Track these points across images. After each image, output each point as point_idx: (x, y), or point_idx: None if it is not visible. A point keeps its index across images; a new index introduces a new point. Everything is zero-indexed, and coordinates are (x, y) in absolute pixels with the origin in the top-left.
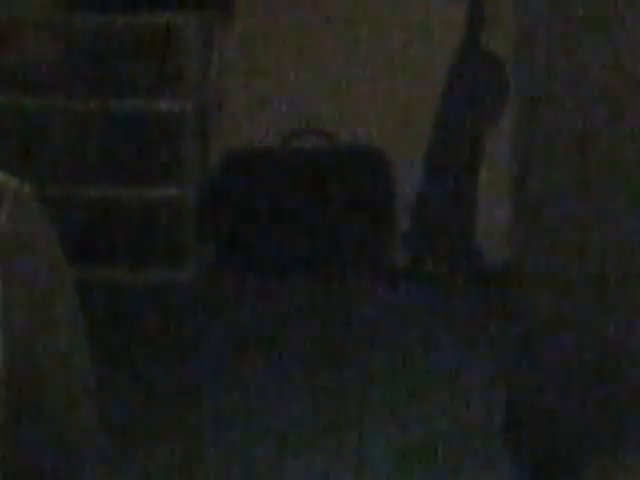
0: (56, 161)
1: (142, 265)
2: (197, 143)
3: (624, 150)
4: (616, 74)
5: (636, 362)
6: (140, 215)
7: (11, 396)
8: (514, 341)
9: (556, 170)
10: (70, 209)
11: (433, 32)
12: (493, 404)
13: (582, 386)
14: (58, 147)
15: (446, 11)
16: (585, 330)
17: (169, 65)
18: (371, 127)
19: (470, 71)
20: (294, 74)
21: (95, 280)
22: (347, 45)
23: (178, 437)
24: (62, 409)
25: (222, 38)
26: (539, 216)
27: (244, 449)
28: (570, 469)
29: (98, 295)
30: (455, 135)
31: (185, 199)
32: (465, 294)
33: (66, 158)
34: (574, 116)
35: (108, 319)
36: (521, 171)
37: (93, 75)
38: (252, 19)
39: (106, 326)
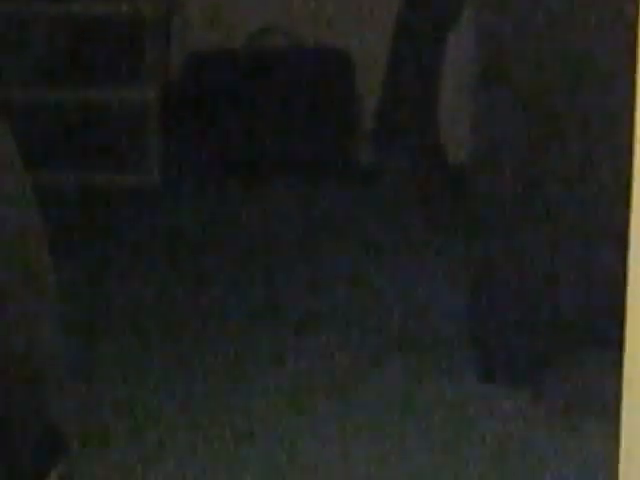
0: (23, 65)
1: (106, 169)
2: (159, 45)
3: None
4: None
5: None
6: (103, 117)
7: None
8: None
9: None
10: (35, 113)
11: None
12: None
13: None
14: (25, 53)
15: None
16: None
17: None
18: (336, 28)
19: None
20: None
21: (59, 185)
22: None
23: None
24: (25, 327)
25: None
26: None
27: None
28: (533, 368)
29: (63, 200)
30: (418, 36)
31: (148, 101)
32: (430, 189)
33: (33, 61)
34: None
35: (72, 224)
36: (484, 70)
37: None
38: None
39: (71, 232)
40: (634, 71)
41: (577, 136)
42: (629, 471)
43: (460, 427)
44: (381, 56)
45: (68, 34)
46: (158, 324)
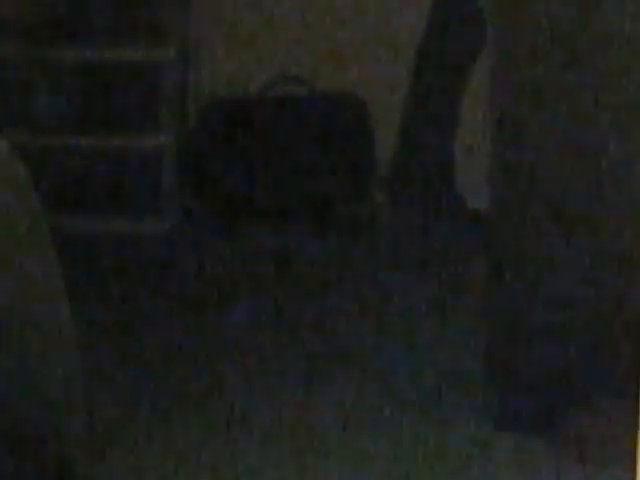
0: (41, 112)
1: (123, 214)
2: (176, 92)
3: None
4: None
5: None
6: (121, 164)
7: None
8: (493, 284)
9: (536, 115)
10: (53, 159)
11: None
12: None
13: (557, 331)
14: (43, 97)
15: None
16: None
17: (149, 14)
18: (350, 74)
19: (450, 17)
20: (275, 21)
21: (77, 229)
22: None
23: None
24: (44, 362)
25: None
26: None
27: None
28: (548, 416)
29: (80, 244)
30: (434, 84)
31: (165, 147)
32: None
33: (50, 109)
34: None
35: (88, 267)
36: (501, 117)
37: (72, 24)
38: None
39: (86, 275)
40: None
41: (594, 185)
42: None
43: (475, 473)
44: (396, 103)
45: (84, 81)
46: (168, 367)
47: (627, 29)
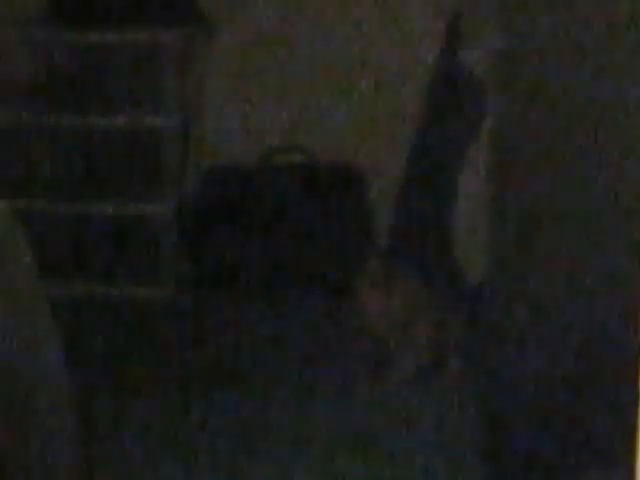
0: (35, 176)
1: (121, 281)
2: (178, 158)
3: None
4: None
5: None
6: (119, 230)
7: None
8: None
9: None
10: (51, 224)
11: (414, 48)
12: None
13: (551, 403)
14: (38, 162)
15: (426, 27)
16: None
17: (150, 81)
18: (350, 144)
19: (448, 89)
20: (275, 90)
21: (73, 295)
22: (328, 60)
23: None
24: (45, 421)
25: (203, 54)
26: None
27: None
28: None
29: (77, 310)
30: (432, 155)
31: (165, 214)
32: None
33: (45, 173)
34: (557, 141)
35: (85, 333)
36: (498, 194)
37: (74, 91)
38: (233, 35)
39: (84, 341)
40: None
41: (589, 262)
42: None
43: None
44: (394, 172)
45: (85, 147)
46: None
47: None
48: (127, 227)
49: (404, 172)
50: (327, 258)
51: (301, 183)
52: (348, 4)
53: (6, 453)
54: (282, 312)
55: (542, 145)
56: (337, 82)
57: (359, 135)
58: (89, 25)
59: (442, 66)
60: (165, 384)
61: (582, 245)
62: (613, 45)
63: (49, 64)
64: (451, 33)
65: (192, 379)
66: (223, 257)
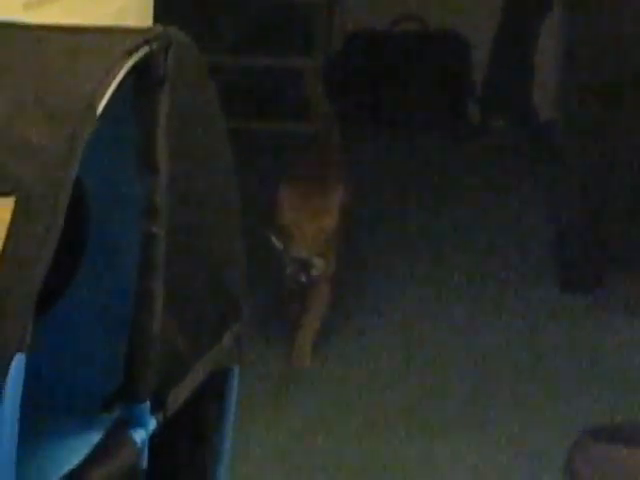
0: (218, 34)
1: (276, 117)
2: (325, 26)
3: None
4: None
5: None
6: (282, 79)
7: (171, 233)
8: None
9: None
10: (225, 75)
11: None
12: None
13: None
14: (220, 21)
15: None
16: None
17: None
18: (456, 15)
19: None
20: None
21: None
22: None
23: None
24: (217, 249)
25: None
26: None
27: None
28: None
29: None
30: (518, 23)
31: (315, 68)
32: (523, 145)
33: (224, 32)
34: None
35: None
36: (567, 51)
37: None
38: None
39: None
40: None
41: None
42: None
43: (542, 326)
44: (491, 39)
45: (257, 16)
46: None
47: None
48: (288, 77)
49: (495, 40)
50: (436, 106)
51: (418, 46)
52: None
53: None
54: (401, 147)
55: None
56: None
57: (464, 8)
58: None
59: None
60: None
61: None
62: None
63: None
64: None
65: None
66: (359, 100)
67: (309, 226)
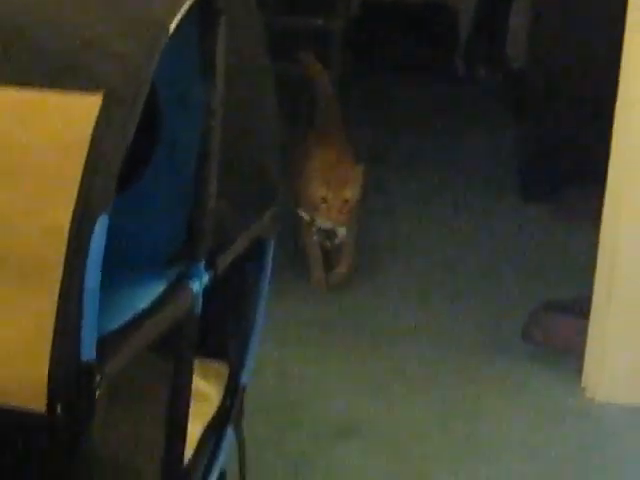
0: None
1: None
2: None
3: None
4: None
5: None
6: (304, 35)
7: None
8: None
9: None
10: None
11: None
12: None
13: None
14: None
15: None
16: None
17: None
18: None
19: None
20: None
21: None
22: None
23: None
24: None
25: None
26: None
27: None
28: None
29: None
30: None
31: (335, 28)
32: (499, 88)
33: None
34: None
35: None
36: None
37: None
38: None
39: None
40: None
41: None
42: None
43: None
44: (472, 10)
45: None
46: None
47: None
48: (314, 34)
49: (475, 8)
50: (432, 58)
51: (418, 14)
52: None
53: None
54: (397, 87)
55: None
56: None
57: None
58: None
59: None
60: None
61: None
62: None
63: None
64: None
65: None
66: (371, 50)
67: (335, 200)
